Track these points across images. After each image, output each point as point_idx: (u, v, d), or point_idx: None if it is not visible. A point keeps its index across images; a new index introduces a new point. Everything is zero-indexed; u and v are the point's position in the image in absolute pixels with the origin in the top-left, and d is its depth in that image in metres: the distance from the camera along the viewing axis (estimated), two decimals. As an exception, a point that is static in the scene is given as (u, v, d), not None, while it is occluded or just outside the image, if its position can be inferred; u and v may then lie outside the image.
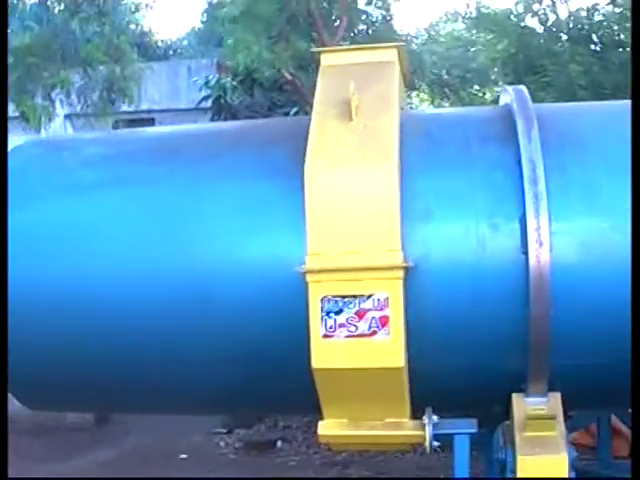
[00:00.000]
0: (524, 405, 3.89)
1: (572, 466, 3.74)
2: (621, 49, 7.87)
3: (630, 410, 4.14)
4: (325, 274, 3.66)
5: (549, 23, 9.12)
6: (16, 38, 7.62)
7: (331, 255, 3.66)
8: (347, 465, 6.70)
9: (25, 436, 8.47)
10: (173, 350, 4.05)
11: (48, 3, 8.53)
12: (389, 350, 3.66)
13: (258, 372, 4.03)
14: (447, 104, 13.47)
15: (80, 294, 4.10)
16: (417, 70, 10.47)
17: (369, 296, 3.64)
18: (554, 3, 9.14)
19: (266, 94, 9.56)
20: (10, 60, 6.80)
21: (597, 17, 8.69)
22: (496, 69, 12.22)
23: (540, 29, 9.19)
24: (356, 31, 9.44)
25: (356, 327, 3.66)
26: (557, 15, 9.42)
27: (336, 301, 3.66)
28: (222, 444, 7.72)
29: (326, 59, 4.32)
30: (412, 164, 3.86)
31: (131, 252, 4.09)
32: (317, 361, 3.69)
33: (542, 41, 8.23)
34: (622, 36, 7.96)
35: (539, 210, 3.72)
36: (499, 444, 4.09)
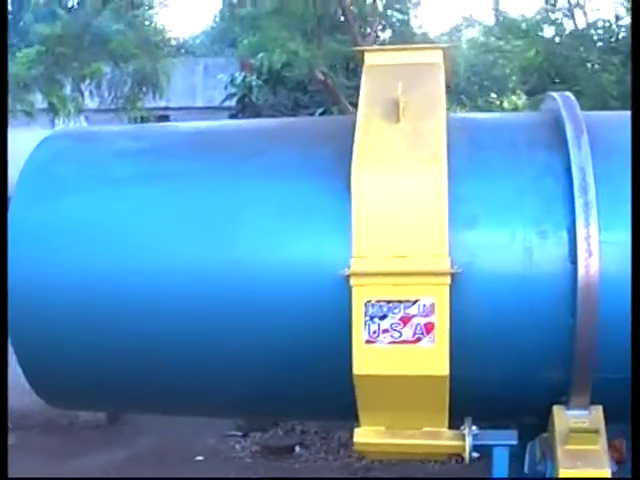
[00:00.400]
0: (565, 418, 3.82)
1: None
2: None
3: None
4: (370, 278, 3.57)
5: (569, 31, 9.07)
6: (46, 27, 7.51)
7: (377, 258, 3.58)
8: (367, 472, 6.61)
9: (37, 433, 8.41)
10: (207, 352, 3.96)
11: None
12: (433, 358, 3.57)
13: (294, 376, 3.95)
14: (462, 111, 13.42)
15: (115, 291, 4.01)
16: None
17: (415, 302, 3.56)
18: (575, 11, 9.09)
19: (290, 94, 9.50)
20: (41, 49, 6.72)
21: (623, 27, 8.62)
22: (514, 77, 12.15)
23: (561, 37, 9.14)
24: (377, 34, 9.37)
25: (400, 333, 3.58)
26: (576, 24, 9.39)
27: (380, 306, 3.58)
28: (238, 447, 7.63)
29: (370, 58, 4.24)
30: (458, 168, 3.78)
31: (168, 250, 4.00)
32: (359, 367, 3.60)
33: (568, 50, 8.15)
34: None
35: (589, 219, 3.64)
36: (535, 456, 4.03)
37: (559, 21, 9.82)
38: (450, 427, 3.86)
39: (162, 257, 3.99)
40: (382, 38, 10.82)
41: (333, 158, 3.91)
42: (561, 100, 4.17)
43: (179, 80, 14.84)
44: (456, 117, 4.18)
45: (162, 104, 11.92)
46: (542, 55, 8.14)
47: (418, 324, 3.57)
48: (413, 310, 3.56)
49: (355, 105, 8.29)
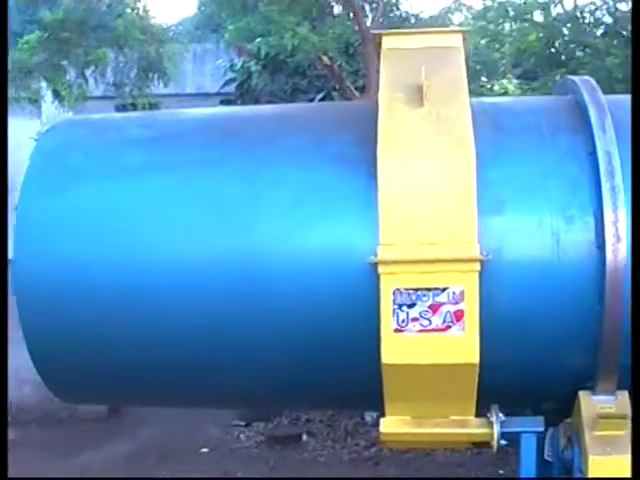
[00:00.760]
0: (592, 403, 3.79)
1: None
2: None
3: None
4: (398, 265, 3.51)
5: (565, 12, 8.99)
6: (49, 12, 7.31)
7: (405, 246, 3.52)
8: (378, 461, 6.56)
9: (36, 427, 8.30)
10: (226, 344, 3.88)
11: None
12: (463, 346, 3.53)
13: (318, 367, 3.88)
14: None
15: (128, 283, 3.92)
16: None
17: (444, 289, 3.51)
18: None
19: (288, 80, 9.39)
20: (44, 35, 6.54)
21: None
22: (504, 61, 12.09)
23: (555, 20, 9.07)
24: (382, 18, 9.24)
25: (429, 321, 3.52)
26: (564, 8, 9.32)
27: (409, 294, 3.52)
28: (242, 437, 7.55)
29: (388, 42, 4.16)
30: (482, 153, 3.71)
31: (183, 239, 3.90)
32: (387, 356, 3.54)
33: (570, 34, 8.10)
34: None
35: (617, 203, 3.60)
36: (557, 443, 4.00)
37: (548, 5, 9.78)
38: (477, 415, 3.82)
39: (178, 248, 3.90)
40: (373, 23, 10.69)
41: (351, 143, 3.84)
42: (582, 84, 4.13)
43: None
44: (476, 101, 4.11)
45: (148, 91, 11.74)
46: (544, 39, 8.08)
47: (447, 312, 3.52)
48: (442, 298, 3.51)
49: (360, 90, 8.21)
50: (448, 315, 3.52)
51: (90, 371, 4.14)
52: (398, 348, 3.54)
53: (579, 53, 7.30)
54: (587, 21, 8.71)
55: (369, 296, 3.57)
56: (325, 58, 7.50)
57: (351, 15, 7.77)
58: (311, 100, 8.88)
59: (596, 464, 3.61)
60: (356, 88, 7.90)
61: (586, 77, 4.30)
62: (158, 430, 7.76)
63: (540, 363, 3.83)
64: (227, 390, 4.23)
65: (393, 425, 3.83)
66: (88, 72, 7.90)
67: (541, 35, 8.25)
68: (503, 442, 3.78)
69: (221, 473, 6.45)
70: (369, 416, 7.21)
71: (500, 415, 3.77)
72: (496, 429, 3.74)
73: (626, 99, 4.83)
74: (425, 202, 3.54)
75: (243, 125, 4.34)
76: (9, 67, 6.12)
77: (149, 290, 3.91)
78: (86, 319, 3.95)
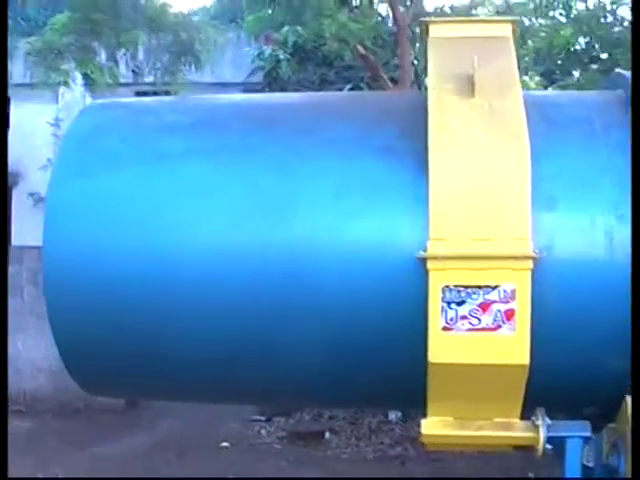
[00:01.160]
0: (640, 408, 3.67)
1: None
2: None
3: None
4: (448, 261, 3.39)
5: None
6: None
7: (455, 241, 3.40)
8: (404, 461, 6.43)
9: (52, 417, 8.20)
10: (266, 339, 3.77)
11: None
12: (514, 346, 3.41)
13: (355, 364, 3.76)
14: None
15: (161, 272, 3.80)
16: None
17: (495, 287, 3.39)
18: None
19: (316, 70, 9.25)
20: (73, 16, 6.33)
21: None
22: (527, 59, 11.94)
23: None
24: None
25: (479, 320, 3.40)
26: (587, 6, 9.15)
27: (459, 291, 3.40)
28: (263, 432, 7.44)
29: (435, 31, 4.04)
30: (534, 147, 3.60)
31: (221, 228, 3.79)
32: (435, 355, 3.43)
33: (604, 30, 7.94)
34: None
35: None
36: (599, 448, 3.88)
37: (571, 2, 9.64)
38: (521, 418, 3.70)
39: (215, 238, 3.78)
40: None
41: (397, 134, 3.72)
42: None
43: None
44: (526, 93, 3.98)
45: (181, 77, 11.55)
46: (578, 35, 7.92)
47: (498, 311, 3.39)
48: (493, 296, 3.39)
49: (394, 81, 8.05)
50: (498, 314, 3.40)
51: (115, 362, 4.03)
52: (446, 347, 3.42)
53: (606, 52, 7.12)
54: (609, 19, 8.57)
55: (415, 292, 3.45)
56: (360, 47, 7.37)
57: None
58: (339, 90, 8.73)
59: None
60: (393, 79, 7.77)
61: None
62: (177, 424, 7.65)
63: (588, 365, 3.71)
64: (256, 385, 4.11)
65: (435, 427, 3.71)
66: (119, 55, 7.70)
67: (574, 31, 8.08)
68: (549, 446, 3.67)
69: (242, 469, 6.34)
70: (393, 414, 7.10)
71: (547, 419, 3.65)
72: (542, 433, 3.61)
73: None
74: (478, 196, 3.42)
75: (281, 113, 4.22)
76: (39, 47, 5.98)
77: (183, 281, 3.80)
78: (115, 309, 3.84)
